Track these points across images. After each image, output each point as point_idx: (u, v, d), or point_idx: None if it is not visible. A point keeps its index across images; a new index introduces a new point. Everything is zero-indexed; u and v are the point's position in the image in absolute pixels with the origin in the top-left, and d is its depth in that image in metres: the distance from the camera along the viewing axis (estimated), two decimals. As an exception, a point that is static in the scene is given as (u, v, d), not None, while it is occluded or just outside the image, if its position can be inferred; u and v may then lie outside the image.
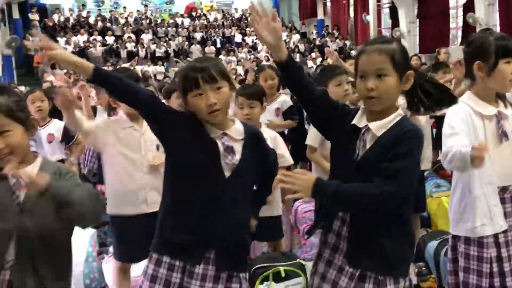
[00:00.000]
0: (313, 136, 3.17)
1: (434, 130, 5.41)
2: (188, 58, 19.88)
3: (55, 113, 3.93)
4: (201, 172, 1.90)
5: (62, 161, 4.06)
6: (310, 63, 20.43)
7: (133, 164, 2.76)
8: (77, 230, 3.78)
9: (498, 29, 16.21)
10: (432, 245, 3.40)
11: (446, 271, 2.60)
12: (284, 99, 4.38)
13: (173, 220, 1.92)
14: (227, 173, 1.91)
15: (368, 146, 1.79)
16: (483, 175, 2.15)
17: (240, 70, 19.45)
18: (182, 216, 1.90)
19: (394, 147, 1.72)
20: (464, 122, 2.12)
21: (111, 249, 3.64)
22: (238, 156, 1.92)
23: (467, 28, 17.14)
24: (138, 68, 18.35)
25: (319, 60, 20.54)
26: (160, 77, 18.82)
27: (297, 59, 20.77)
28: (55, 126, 4.14)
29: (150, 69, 18.75)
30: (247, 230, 2.00)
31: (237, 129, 1.98)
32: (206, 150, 1.90)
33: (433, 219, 4.35)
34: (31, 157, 1.81)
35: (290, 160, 3.19)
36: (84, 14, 23.16)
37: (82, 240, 3.53)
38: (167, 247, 1.91)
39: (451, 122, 2.12)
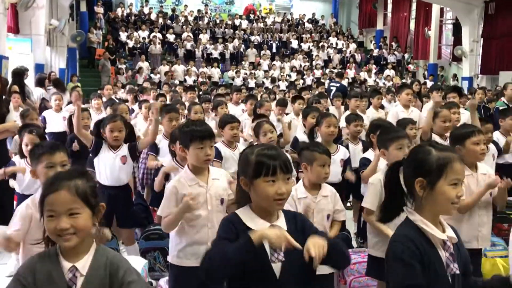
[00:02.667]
0: (371, 198, 3.16)
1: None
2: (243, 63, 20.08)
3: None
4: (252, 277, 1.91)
5: None
6: (364, 74, 20.16)
7: (198, 219, 2.87)
8: (129, 259, 3.94)
9: None
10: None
11: None
12: (343, 150, 4.43)
13: None
14: (278, 274, 1.91)
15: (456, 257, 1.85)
16: None
17: (294, 76, 19.48)
18: None
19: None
20: None
21: (160, 282, 3.76)
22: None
23: (534, 52, 16.44)
24: (194, 70, 18.71)
25: (373, 72, 20.23)
26: (215, 79, 19.12)
27: (353, 69, 20.54)
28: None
29: (206, 70, 19.05)
30: None
31: (282, 221, 2.01)
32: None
33: (483, 273, 4.20)
34: (88, 243, 1.86)
35: (345, 215, 3.24)
36: (146, 10, 23.78)
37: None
38: None
39: None
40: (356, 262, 3.79)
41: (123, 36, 20.75)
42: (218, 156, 4.55)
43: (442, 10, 20.70)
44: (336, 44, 23.32)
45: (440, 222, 1.90)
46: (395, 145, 3.32)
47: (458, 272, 1.85)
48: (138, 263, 3.70)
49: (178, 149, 4.33)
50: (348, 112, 6.62)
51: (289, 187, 1.96)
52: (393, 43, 23.66)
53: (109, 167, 4.22)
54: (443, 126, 4.62)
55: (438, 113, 4.66)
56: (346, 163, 4.38)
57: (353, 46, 23.51)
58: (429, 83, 18.06)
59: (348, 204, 5.63)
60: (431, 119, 4.74)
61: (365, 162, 4.12)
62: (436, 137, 4.63)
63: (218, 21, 24.29)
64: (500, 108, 7.57)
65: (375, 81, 19.40)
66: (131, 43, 20.34)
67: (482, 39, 19.14)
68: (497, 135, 5.51)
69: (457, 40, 19.95)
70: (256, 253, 1.83)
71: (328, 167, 3.16)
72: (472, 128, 3.36)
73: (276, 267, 1.92)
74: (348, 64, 21.20)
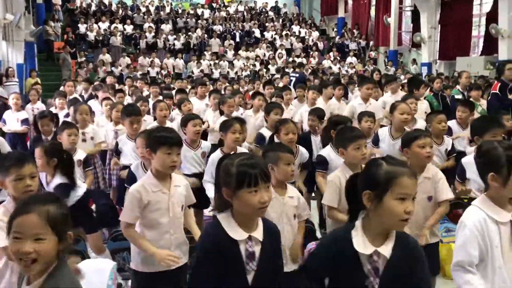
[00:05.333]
0: (330, 196, 3.27)
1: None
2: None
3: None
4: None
5: None
6: (327, 63, 20.38)
7: (160, 226, 2.89)
8: (98, 262, 3.93)
9: (521, 41, 16.06)
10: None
11: None
12: (303, 151, 4.49)
13: None
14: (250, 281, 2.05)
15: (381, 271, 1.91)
16: (499, 279, 2.22)
17: (258, 66, 19.52)
18: None
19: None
20: (478, 231, 2.20)
21: (130, 283, 3.79)
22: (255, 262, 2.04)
23: (489, 38, 16.98)
24: (157, 61, 18.49)
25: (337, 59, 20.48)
26: (179, 70, 18.94)
27: (316, 58, 20.72)
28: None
29: (169, 62, 18.85)
30: None
31: (260, 232, 2.11)
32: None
33: (442, 265, 4.40)
34: (47, 267, 1.81)
35: (308, 214, 3.33)
36: (106, 1, 23.24)
37: (103, 273, 3.68)
38: None
39: (465, 233, 2.20)
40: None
41: (82, 28, 20.27)
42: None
43: (401, -4, 21.13)
44: (299, 32, 23.45)
45: (387, 235, 1.94)
46: (353, 145, 3.40)
47: (376, 286, 1.90)
48: (106, 265, 3.72)
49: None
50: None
51: (270, 194, 2.04)
52: (354, 31, 23.97)
53: None
54: (401, 119, 4.77)
55: (396, 106, 4.79)
56: (304, 166, 4.46)
57: (315, 34, 23.69)
58: (391, 69, 18.48)
59: (313, 194, 5.76)
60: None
61: (321, 160, 4.21)
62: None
63: (180, 11, 24.00)
64: (456, 96, 7.86)
65: (339, 68, 19.65)
66: (91, 36, 19.90)
67: (439, 25, 19.66)
68: (452, 124, 5.57)
69: (416, 27, 20.43)
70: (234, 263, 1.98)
71: (293, 165, 3.25)
72: (418, 132, 3.49)
73: (249, 276, 2.04)
74: (311, 53, 21.38)
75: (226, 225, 2.05)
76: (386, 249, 1.91)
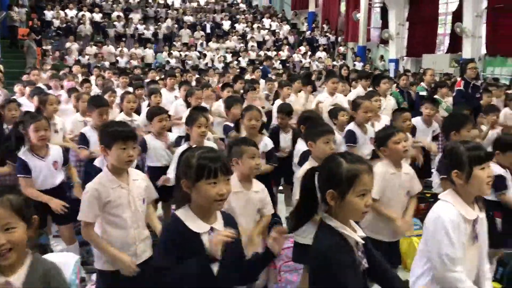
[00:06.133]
0: (295, 190, 3.31)
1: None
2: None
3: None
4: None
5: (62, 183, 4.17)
6: (297, 57, 20.49)
7: (124, 222, 2.86)
8: (61, 255, 3.87)
9: (483, 40, 16.57)
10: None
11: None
12: (266, 141, 4.45)
13: None
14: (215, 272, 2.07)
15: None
16: None
17: (230, 58, 19.45)
18: None
19: None
20: (457, 228, 2.27)
21: (93, 277, 3.76)
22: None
23: (454, 36, 17.42)
24: (126, 51, 18.19)
25: (308, 54, 20.61)
26: (149, 60, 18.71)
27: (286, 52, 20.80)
28: (56, 153, 4.10)
29: (138, 51, 18.58)
30: None
31: (220, 223, 2.14)
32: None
33: (403, 258, 4.52)
34: (23, 255, 1.84)
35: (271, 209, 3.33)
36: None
37: (66, 267, 3.63)
38: None
39: (448, 230, 2.26)
40: (286, 247, 3.96)
41: (48, 14, 19.74)
42: (143, 148, 4.57)
43: (371, -7, 21.39)
44: (270, 25, 23.48)
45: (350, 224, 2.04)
46: (322, 140, 3.46)
47: (366, 266, 2.03)
48: (70, 259, 3.67)
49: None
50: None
51: (229, 188, 2.08)
52: (324, 25, 24.15)
53: (42, 175, 3.95)
54: (365, 117, 4.86)
55: (360, 104, 4.86)
56: (268, 154, 4.40)
57: (286, 27, 23.77)
58: (358, 65, 18.74)
59: (280, 188, 5.80)
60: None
61: (304, 156, 4.17)
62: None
63: (150, 0, 23.66)
64: (420, 93, 8.05)
65: (309, 63, 19.78)
66: (57, 23, 19.40)
67: (407, 23, 20.03)
68: (417, 122, 5.61)
69: (385, 23, 20.76)
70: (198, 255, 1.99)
71: (258, 158, 3.25)
72: (391, 129, 3.59)
73: (214, 266, 2.06)
74: (282, 46, 21.45)
75: (185, 218, 2.07)
76: (361, 233, 2.05)
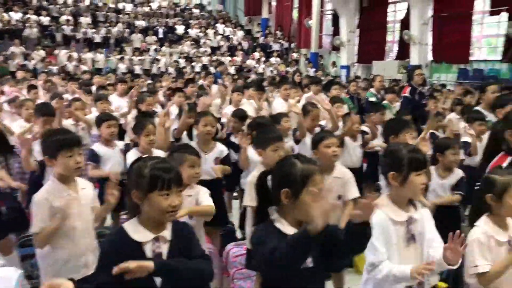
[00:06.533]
0: (250, 196, 3.27)
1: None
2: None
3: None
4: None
5: None
6: (251, 62, 20.58)
7: (75, 231, 2.76)
8: (2, 270, 3.69)
9: (430, 48, 17.22)
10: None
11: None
12: (221, 148, 4.36)
13: None
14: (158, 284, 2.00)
15: None
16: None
17: (183, 63, 19.27)
18: None
19: None
20: (382, 231, 2.32)
21: (38, 291, 3.60)
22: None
23: (403, 43, 18.01)
24: (75, 55, 17.68)
25: (262, 59, 20.74)
26: (100, 65, 18.28)
27: (240, 57, 20.85)
28: None
29: (88, 56, 18.09)
30: None
31: (168, 231, 2.08)
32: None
33: (355, 261, 4.57)
34: None
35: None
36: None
37: (8, 281, 3.46)
38: None
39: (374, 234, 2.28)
40: (239, 254, 3.91)
41: (-9, 17, 18.93)
42: (93, 158, 4.40)
43: (322, 0, 21.75)
44: (224, 31, 23.47)
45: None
46: (272, 147, 3.44)
47: (311, 265, 2.03)
48: (12, 273, 3.50)
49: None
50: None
51: (181, 199, 2.04)
52: (277, 32, 24.39)
53: None
54: (312, 124, 4.91)
55: (309, 111, 4.91)
56: (223, 161, 4.32)
57: (240, 33, 23.83)
58: (311, 71, 19.03)
59: (235, 194, 5.77)
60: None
61: None
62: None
63: (100, 4, 23.14)
64: (370, 98, 8.25)
65: (263, 69, 19.90)
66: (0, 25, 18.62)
67: (358, 30, 20.53)
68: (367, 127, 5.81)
69: (337, 31, 21.19)
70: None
71: (199, 167, 3.23)
72: (324, 133, 3.67)
73: (157, 278, 1.99)
74: (236, 52, 21.48)
75: (129, 228, 2.01)
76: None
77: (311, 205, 1.94)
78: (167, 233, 2.06)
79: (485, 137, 4.48)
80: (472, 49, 16.42)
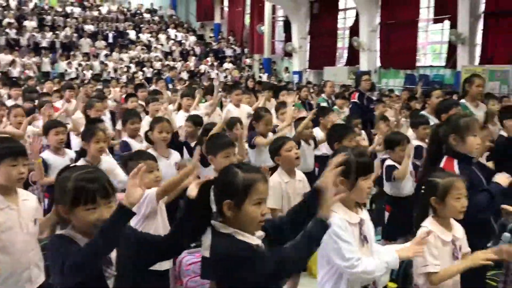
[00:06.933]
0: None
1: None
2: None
3: None
4: None
5: None
6: (204, 67, 20.48)
7: (16, 246, 2.60)
8: None
9: (378, 54, 17.74)
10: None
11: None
12: (175, 154, 4.33)
13: None
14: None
15: None
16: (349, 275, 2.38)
17: (134, 68, 18.91)
18: None
19: None
20: (346, 230, 2.34)
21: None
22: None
23: (352, 50, 18.44)
24: (18, 61, 17.02)
25: (215, 64, 20.68)
26: (46, 68, 17.67)
27: (193, 61, 20.72)
28: None
29: (33, 60, 17.44)
30: None
31: None
32: None
33: (310, 265, 4.57)
34: None
35: None
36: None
37: None
38: None
39: (339, 234, 2.30)
40: (192, 262, 3.85)
41: None
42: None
43: (274, 7, 21.97)
44: (176, 36, 23.26)
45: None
46: (223, 154, 3.43)
47: None
48: None
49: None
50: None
51: (111, 210, 1.85)
52: (230, 37, 24.40)
53: None
54: (265, 129, 4.96)
55: (262, 116, 4.93)
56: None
57: (192, 38, 23.68)
58: (264, 77, 19.16)
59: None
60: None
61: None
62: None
63: (46, 7, 22.38)
64: (321, 104, 8.37)
65: (217, 74, 19.83)
66: None
67: (309, 36, 20.85)
68: (317, 131, 5.83)
69: (289, 37, 21.43)
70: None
71: (158, 171, 3.18)
72: (281, 139, 3.71)
73: (110, 281, 1.92)
74: (188, 57, 21.32)
75: (73, 235, 1.91)
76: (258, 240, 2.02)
77: (256, 215, 1.91)
78: None
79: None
80: (418, 55, 17.07)
